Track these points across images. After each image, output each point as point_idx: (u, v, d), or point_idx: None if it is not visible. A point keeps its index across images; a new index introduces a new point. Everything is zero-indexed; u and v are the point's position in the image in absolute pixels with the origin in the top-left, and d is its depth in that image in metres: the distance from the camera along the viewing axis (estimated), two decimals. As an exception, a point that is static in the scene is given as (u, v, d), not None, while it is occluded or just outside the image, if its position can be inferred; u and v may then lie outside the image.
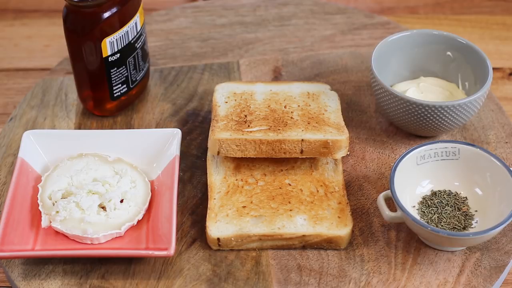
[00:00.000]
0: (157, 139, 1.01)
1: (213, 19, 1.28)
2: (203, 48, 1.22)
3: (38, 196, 0.96)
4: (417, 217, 0.95)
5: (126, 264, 0.93)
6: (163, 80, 1.17)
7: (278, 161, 1.01)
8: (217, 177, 0.99)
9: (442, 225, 0.94)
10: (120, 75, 1.06)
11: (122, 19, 1.02)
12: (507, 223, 0.90)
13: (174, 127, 1.08)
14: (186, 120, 1.10)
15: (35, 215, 0.95)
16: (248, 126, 1.00)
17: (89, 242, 0.92)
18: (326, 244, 0.94)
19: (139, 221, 0.95)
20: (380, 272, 0.92)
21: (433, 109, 0.99)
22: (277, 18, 1.28)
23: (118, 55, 1.04)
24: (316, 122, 1.01)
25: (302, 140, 0.98)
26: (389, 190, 0.93)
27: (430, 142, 0.98)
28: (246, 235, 0.93)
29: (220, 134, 0.98)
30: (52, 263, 0.93)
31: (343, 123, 1.01)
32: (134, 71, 1.08)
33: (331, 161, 1.01)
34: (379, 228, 0.97)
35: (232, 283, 0.91)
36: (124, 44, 1.04)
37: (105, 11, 1.00)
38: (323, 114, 1.03)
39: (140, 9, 1.05)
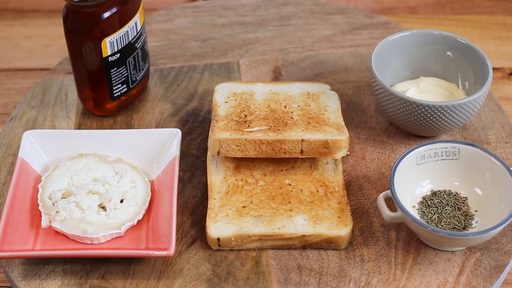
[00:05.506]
0: (157, 139, 1.01)
1: (213, 19, 1.28)
2: (203, 48, 1.22)
3: (38, 196, 0.96)
4: (417, 217, 0.94)
5: (126, 264, 0.93)
6: (163, 80, 1.16)
7: (278, 161, 1.01)
8: (217, 177, 0.99)
9: (442, 225, 0.94)
10: (120, 75, 1.06)
11: (122, 19, 1.02)
12: (507, 223, 0.90)
13: (174, 127, 1.08)
14: (186, 120, 1.10)
15: (35, 215, 0.95)
16: (248, 126, 0.99)
17: (89, 242, 0.92)
18: (326, 244, 0.94)
19: (139, 221, 0.95)
20: (380, 272, 0.92)
21: (433, 109, 0.99)
22: (277, 18, 1.28)
23: (118, 55, 1.04)
24: (316, 122, 1.01)
25: (302, 140, 0.98)
26: (389, 190, 0.93)
27: (430, 142, 0.98)
28: (246, 235, 0.93)
29: (220, 134, 0.98)
30: (52, 263, 0.93)
31: (343, 123, 1.01)
32: (134, 71, 1.08)
33: (331, 161, 1.01)
34: (379, 228, 0.97)
35: (232, 283, 0.91)
36: (124, 44, 1.04)
37: (105, 11, 1.00)
38: (323, 114, 1.03)
39: (140, 9, 1.05)
